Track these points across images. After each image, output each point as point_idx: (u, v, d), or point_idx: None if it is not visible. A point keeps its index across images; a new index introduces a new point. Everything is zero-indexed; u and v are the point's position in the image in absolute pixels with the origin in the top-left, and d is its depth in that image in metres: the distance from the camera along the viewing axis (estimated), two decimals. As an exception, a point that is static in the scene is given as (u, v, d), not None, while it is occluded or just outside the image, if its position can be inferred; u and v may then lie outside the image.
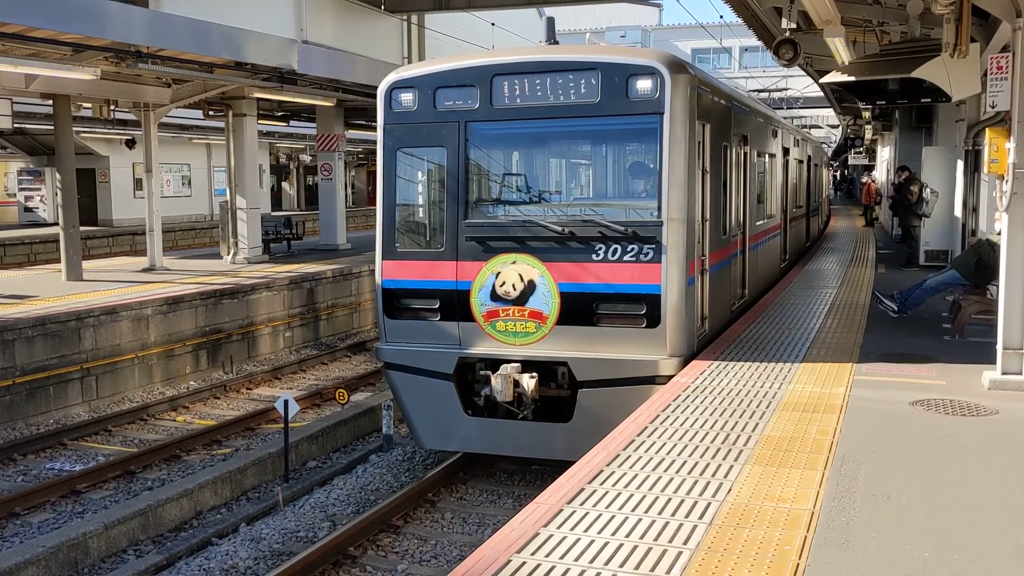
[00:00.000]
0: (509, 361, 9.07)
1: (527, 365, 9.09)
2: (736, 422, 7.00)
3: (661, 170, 8.75)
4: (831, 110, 37.75)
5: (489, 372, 9.11)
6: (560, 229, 8.94)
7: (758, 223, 13.56)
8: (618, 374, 8.85)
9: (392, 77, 9.66)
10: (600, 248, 8.86)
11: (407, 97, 9.53)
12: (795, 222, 19.36)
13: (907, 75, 10.58)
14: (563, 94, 8.96)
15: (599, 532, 4.93)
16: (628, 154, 10.06)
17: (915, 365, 9.10)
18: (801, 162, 20.56)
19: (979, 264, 10.75)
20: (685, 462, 6.08)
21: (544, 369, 9.15)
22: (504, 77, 9.14)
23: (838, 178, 64.44)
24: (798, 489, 5.59)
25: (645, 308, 8.78)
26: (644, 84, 8.73)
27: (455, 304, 9.34)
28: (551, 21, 10.31)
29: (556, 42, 10.10)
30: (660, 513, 5.20)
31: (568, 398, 9.13)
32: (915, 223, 18.09)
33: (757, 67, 50.16)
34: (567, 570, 4.48)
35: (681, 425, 6.94)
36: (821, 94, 28.98)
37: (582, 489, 5.57)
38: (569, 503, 5.35)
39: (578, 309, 8.94)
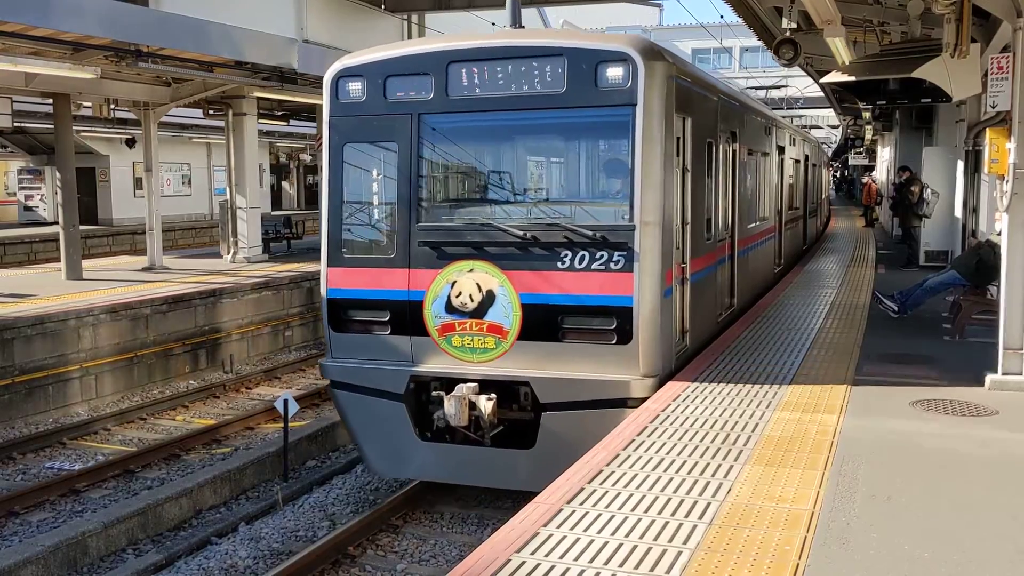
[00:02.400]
0: (465, 380, 8.25)
1: (485, 385, 8.25)
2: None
3: (633, 168, 7.92)
4: (831, 110, 37.74)
5: (443, 393, 8.28)
6: (522, 234, 8.10)
7: (749, 226, 12.83)
8: (585, 396, 8.02)
9: (339, 64, 8.84)
10: (566, 255, 8.03)
11: (355, 87, 8.68)
12: (791, 224, 18.71)
13: (907, 75, 10.56)
14: (526, 83, 8.13)
15: (599, 532, 4.92)
16: (598, 150, 9.10)
17: (915, 366, 9.09)
18: (798, 162, 19.97)
19: (979, 264, 10.74)
20: (685, 462, 6.07)
21: (504, 389, 8.30)
22: (461, 64, 8.30)
23: (838, 178, 64.46)
24: (798, 490, 5.59)
25: (615, 322, 7.94)
26: (614, 72, 7.90)
27: (407, 316, 8.50)
28: (515, 1, 9.35)
29: (522, 26, 9.28)
30: (660, 513, 5.19)
31: (532, 422, 8.27)
32: (915, 223, 18.09)
33: (758, 67, 50.15)
34: (567, 570, 4.48)
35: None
36: (821, 94, 28.98)
37: (582, 489, 5.56)
38: (569, 503, 5.34)
39: (542, 323, 8.12)
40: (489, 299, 8.24)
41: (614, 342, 7.98)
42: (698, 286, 9.38)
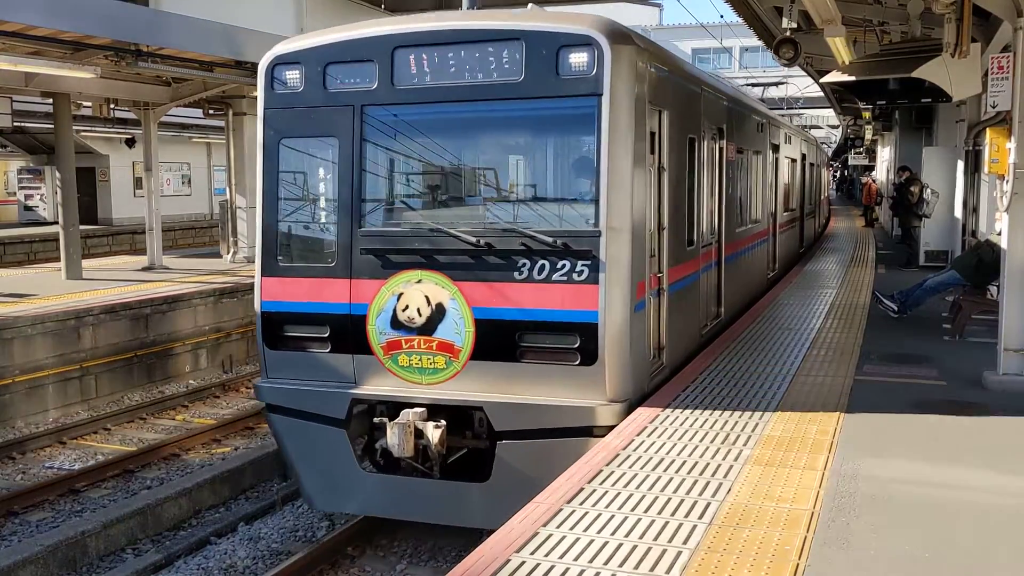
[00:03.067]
0: (413, 404, 7.44)
1: (435, 410, 7.44)
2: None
3: (599, 167, 7.11)
4: (831, 110, 37.74)
5: (386, 419, 7.51)
6: (474, 240, 7.28)
7: (739, 230, 12.06)
8: (545, 423, 7.21)
9: (274, 50, 8.04)
10: (524, 264, 7.21)
11: (292, 75, 7.87)
12: (786, 227, 17.98)
13: (908, 75, 10.57)
14: (480, 71, 7.31)
15: (599, 532, 4.92)
16: (560, 146, 8.19)
17: (915, 366, 9.08)
18: (794, 161, 19.26)
19: (979, 264, 10.74)
20: (685, 462, 6.06)
21: (456, 415, 7.50)
22: (408, 50, 7.49)
23: (838, 178, 64.48)
24: (797, 489, 5.58)
25: (578, 341, 7.13)
26: (577, 58, 7.07)
27: (349, 332, 7.67)
28: None
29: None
30: (660, 513, 5.19)
31: (487, 451, 7.50)
32: (915, 223, 18.11)
33: (758, 67, 50.16)
34: (567, 570, 4.47)
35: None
36: (821, 94, 28.97)
37: (581, 489, 5.55)
38: (569, 503, 5.34)
39: (497, 340, 7.31)
40: (439, 313, 7.43)
41: (577, 363, 7.17)
42: (678, 297, 8.62)
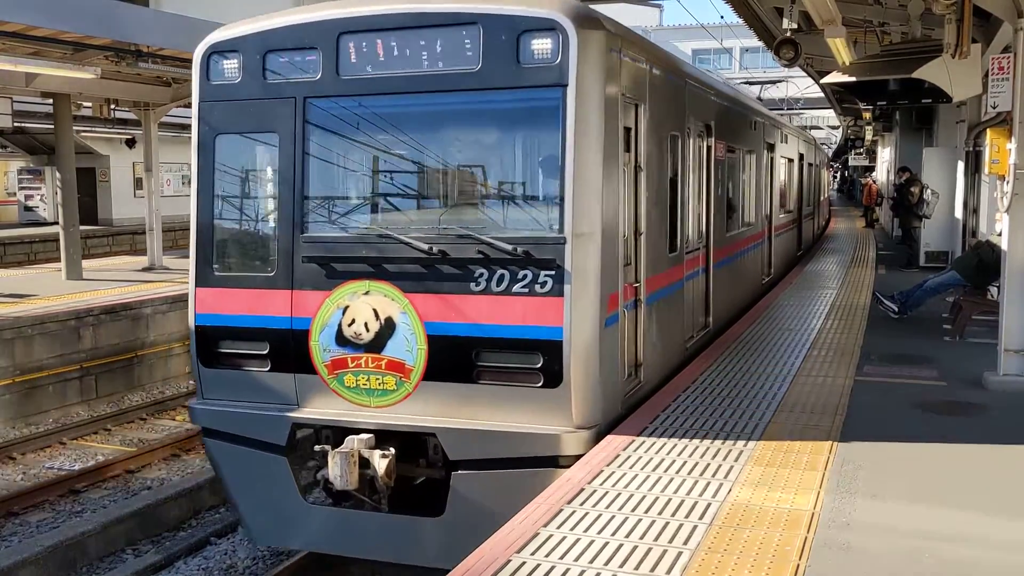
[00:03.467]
0: (359, 430, 6.78)
1: (383, 436, 6.77)
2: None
3: (564, 166, 6.45)
4: (831, 111, 37.76)
5: (329, 446, 6.81)
6: (427, 248, 6.62)
7: (730, 234, 11.40)
8: (505, 452, 6.53)
9: (210, 37, 7.39)
10: (481, 274, 6.57)
11: (230, 65, 7.22)
12: (783, 230, 17.32)
13: (908, 76, 10.57)
14: (433, 59, 6.68)
15: (599, 532, 4.91)
16: (521, 143, 7.37)
17: (916, 367, 9.08)
18: (791, 161, 18.60)
19: (980, 265, 10.74)
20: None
21: (407, 442, 6.85)
22: (354, 36, 6.84)
23: (838, 179, 64.51)
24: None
25: (541, 360, 6.46)
26: (540, 44, 6.42)
27: (290, 349, 7.02)
28: None
29: None
30: (660, 513, 5.18)
31: (441, 482, 6.83)
32: (915, 224, 18.11)
33: (758, 67, 50.18)
34: (567, 570, 4.47)
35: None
36: (821, 94, 28.98)
37: (582, 489, 5.55)
38: (569, 503, 5.33)
39: (452, 359, 6.66)
40: (388, 329, 6.77)
41: (540, 384, 6.50)
42: (658, 308, 7.99)
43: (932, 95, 11.94)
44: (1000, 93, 8.09)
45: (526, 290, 6.50)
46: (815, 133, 46.24)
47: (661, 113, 7.99)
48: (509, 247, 6.48)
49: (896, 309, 11.76)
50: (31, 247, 27.49)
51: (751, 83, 32.43)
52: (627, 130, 7.19)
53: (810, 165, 23.24)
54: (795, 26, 10.95)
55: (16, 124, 21.51)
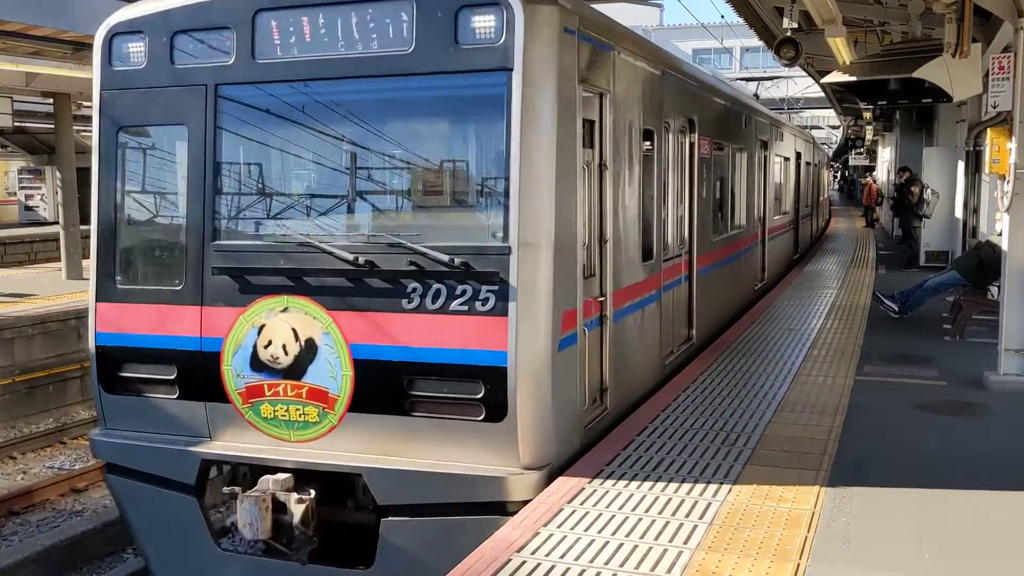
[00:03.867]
0: (276, 468, 5.96)
1: (304, 475, 5.94)
2: None
3: (509, 163, 5.62)
4: (832, 110, 37.76)
5: (240, 488, 6.02)
6: (352, 258, 5.81)
7: (717, 238, 10.68)
8: (442, 496, 5.69)
9: (112, 17, 6.53)
10: (415, 289, 5.75)
11: (134, 48, 6.36)
12: (778, 232, 16.52)
13: (908, 75, 10.58)
14: (361, 40, 5.86)
15: (599, 532, 4.91)
16: (461, 137, 6.48)
17: (916, 366, 9.08)
18: (787, 160, 17.77)
19: (980, 265, 10.74)
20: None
21: (332, 482, 5.99)
22: (272, 14, 6.03)
23: (839, 179, 64.55)
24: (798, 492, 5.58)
25: (483, 389, 5.64)
26: (481, 21, 5.62)
27: (200, 374, 6.21)
28: None
29: None
30: (660, 513, 5.18)
31: (370, 529, 5.96)
32: (916, 224, 18.13)
33: (758, 67, 50.14)
34: (567, 570, 4.47)
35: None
36: (821, 94, 28.97)
37: (582, 488, 5.55)
38: (569, 502, 5.33)
39: (382, 388, 5.85)
40: (309, 352, 5.96)
41: (482, 418, 5.67)
42: (629, 324, 7.24)
43: (932, 95, 11.95)
44: (1000, 92, 8.09)
45: (465, 308, 5.67)
46: (815, 133, 46.23)
47: (632, 105, 7.22)
48: (445, 258, 5.65)
49: (896, 309, 11.76)
50: (31, 247, 27.48)
51: (748, 80, 31.79)
52: (589, 123, 6.41)
53: (808, 164, 22.56)
54: (795, 25, 10.94)
55: (16, 124, 21.54)
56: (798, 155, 19.79)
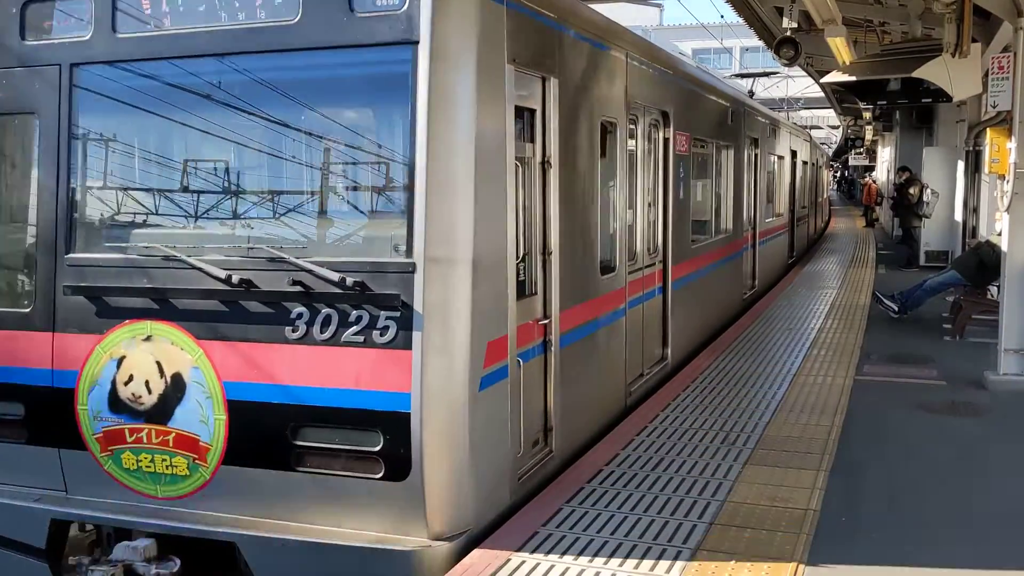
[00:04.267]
0: (136, 533, 5.01)
1: (168, 541, 4.94)
2: None
3: (413, 158, 4.60)
4: (832, 110, 37.78)
5: (87, 558, 5.04)
6: (225, 275, 4.82)
7: (697, 244, 9.77)
8: (333, 571, 4.68)
9: None
10: (300, 315, 4.73)
11: None
12: (771, 235, 15.65)
13: (908, 75, 10.59)
14: (244, 8, 4.89)
15: (598, 532, 4.91)
16: (356, 126, 5.24)
17: (916, 366, 9.08)
18: (781, 158, 16.84)
19: (980, 265, 10.75)
20: (685, 462, 6.05)
21: (203, 550, 4.99)
22: None
23: (838, 179, 64.62)
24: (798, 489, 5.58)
25: (382, 441, 4.62)
26: None
27: (52, 414, 5.19)
28: None
29: None
30: (660, 513, 5.18)
31: None
32: (915, 224, 18.15)
33: (758, 67, 50.13)
34: (566, 569, 4.46)
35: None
36: (821, 94, 28.97)
37: (581, 488, 5.54)
38: (568, 502, 5.32)
39: (261, 436, 4.82)
40: (177, 390, 4.94)
41: (380, 475, 4.65)
42: (583, 348, 6.27)
43: (932, 94, 11.97)
44: (1000, 92, 8.09)
45: (361, 339, 4.63)
46: (815, 133, 46.23)
47: (587, 92, 6.30)
48: (335, 276, 4.62)
49: (896, 309, 11.76)
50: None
51: (743, 76, 30.66)
52: (529, 112, 5.49)
53: (804, 163, 21.59)
54: (795, 25, 10.95)
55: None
56: (793, 153, 19.05)
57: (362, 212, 5.18)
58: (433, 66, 4.57)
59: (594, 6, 7.54)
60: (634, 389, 7.50)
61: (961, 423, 7.12)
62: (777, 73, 31.35)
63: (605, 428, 6.74)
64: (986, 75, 8.86)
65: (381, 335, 4.61)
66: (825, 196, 35.14)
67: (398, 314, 4.58)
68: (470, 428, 4.75)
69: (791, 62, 11.25)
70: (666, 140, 8.32)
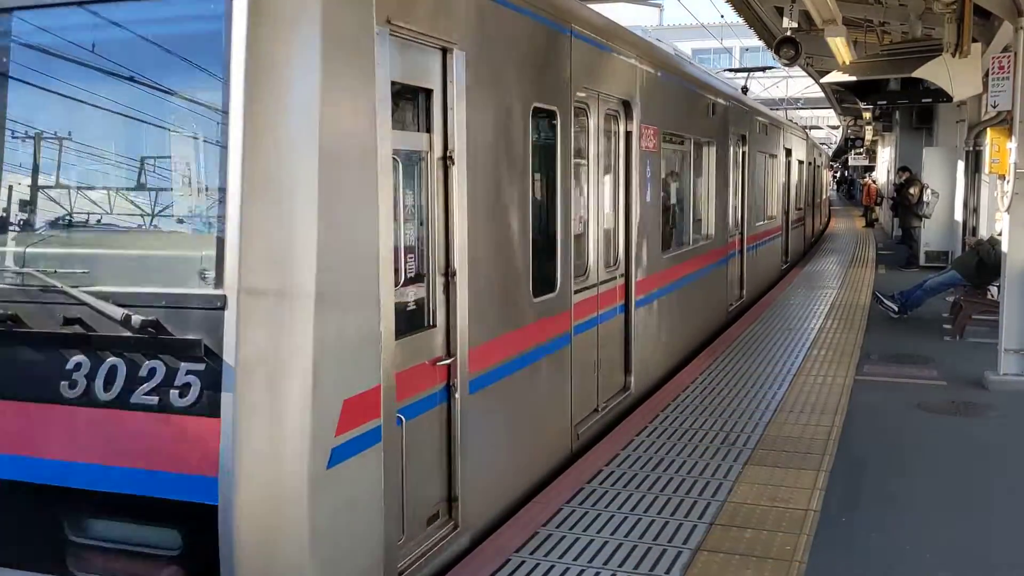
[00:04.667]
0: None
1: None
2: None
3: (226, 149, 3.41)
4: (831, 111, 37.77)
5: None
6: None
7: (670, 253, 8.63)
8: None
9: None
10: (79, 365, 3.57)
11: None
12: (762, 240, 14.49)
13: (908, 75, 10.60)
14: None
15: (598, 532, 4.90)
16: (155, 104, 3.80)
17: (916, 366, 9.08)
18: (774, 157, 15.67)
19: (980, 265, 10.75)
20: (684, 462, 6.05)
21: None
22: None
23: (838, 179, 64.64)
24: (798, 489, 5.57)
25: (180, 542, 3.50)
26: None
27: None
28: None
29: None
30: (660, 513, 5.18)
31: None
32: (915, 224, 18.16)
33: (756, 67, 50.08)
34: (566, 569, 4.46)
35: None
36: (821, 94, 28.96)
37: (581, 488, 5.54)
38: (568, 502, 5.32)
39: (27, 527, 3.71)
40: None
41: None
42: (506, 390, 5.16)
43: (932, 94, 11.98)
44: (1000, 92, 8.09)
45: (154, 400, 3.45)
46: (815, 133, 46.25)
47: (509, 72, 5.14)
48: (118, 312, 3.42)
49: (896, 309, 11.76)
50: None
51: (737, 71, 29.38)
52: (424, 93, 4.36)
53: (801, 163, 20.31)
54: (795, 25, 10.95)
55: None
56: (788, 152, 17.74)
57: (163, 224, 3.90)
58: (255, 22, 3.35)
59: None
60: (583, 430, 6.39)
61: (961, 423, 7.12)
62: (773, 68, 30.66)
63: (543, 481, 5.66)
64: (986, 75, 8.87)
65: (180, 396, 3.40)
66: (824, 197, 35.06)
67: (202, 367, 3.37)
68: (311, 520, 3.45)
69: (791, 62, 11.26)
70: (628, 134, 7.28)
